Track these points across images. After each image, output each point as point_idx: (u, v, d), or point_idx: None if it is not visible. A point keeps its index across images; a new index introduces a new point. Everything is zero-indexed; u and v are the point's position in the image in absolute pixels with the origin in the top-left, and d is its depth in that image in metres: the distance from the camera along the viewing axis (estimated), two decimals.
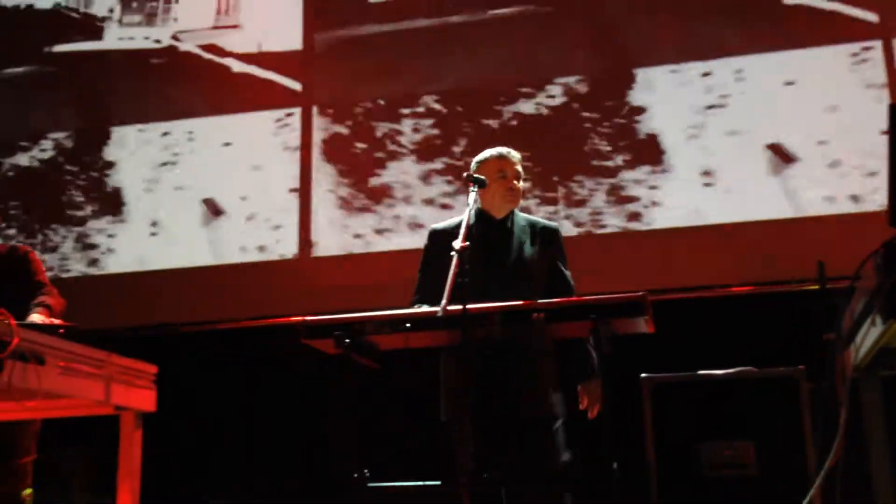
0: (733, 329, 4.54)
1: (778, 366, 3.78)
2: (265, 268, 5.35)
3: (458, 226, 3.20)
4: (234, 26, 5.91)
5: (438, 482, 2.97)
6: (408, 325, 2.95)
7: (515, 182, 3.35)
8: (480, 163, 3.40)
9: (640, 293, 2.82)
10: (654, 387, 3.85)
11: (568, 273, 3.36)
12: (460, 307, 2.80)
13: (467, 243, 2.92)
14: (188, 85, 5.85)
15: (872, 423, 2.17)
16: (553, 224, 3.43)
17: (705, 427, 3.84)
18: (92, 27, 6.16)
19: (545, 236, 3.36)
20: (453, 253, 2.88)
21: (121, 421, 2.97)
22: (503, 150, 3.42)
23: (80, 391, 2.72)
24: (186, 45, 5.96)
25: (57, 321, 3.18)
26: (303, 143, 5.52)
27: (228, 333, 5.31)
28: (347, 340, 2.97)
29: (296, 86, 5.65)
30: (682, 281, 4.80)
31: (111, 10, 6.16)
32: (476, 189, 3.14)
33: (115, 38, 6.09)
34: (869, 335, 1.98)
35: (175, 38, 5.99)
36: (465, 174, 3.24)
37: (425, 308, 3.08)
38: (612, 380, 2.84)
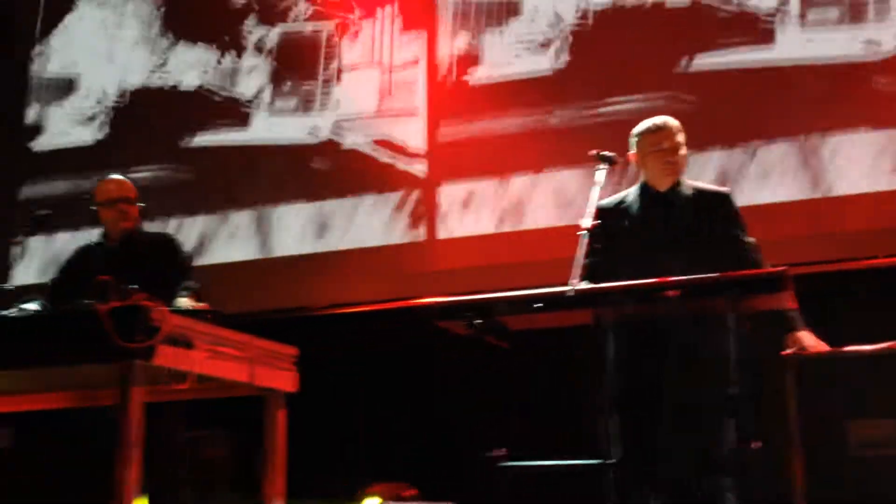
0: (882, 302, 4.33)
1: None
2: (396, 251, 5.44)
3: (621, 202, 3.20)
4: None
5: (580, 462, 2.95)
6: (538, 304, 2.95)
7: (674, 154, 3.27)
8: (637, 136, 3.32)
9: (781, 267, 2.73)
10: (798, 364, 3.71)
11: (747, 239, 3.20)
12: (592, 286, 2.78)
13: (598, 222, 2.89)
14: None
15: None
16: (723, 189, 3.31)
17: (852, 405, 3.69)
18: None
19: (713, 203, 3.25)
20: (582, 232, 2.86)
21: (265, 402, 3.08)
22: (659, 120, 3.31)
23: (226, 373, 2.84)
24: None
25: (203, 306, 3.32)
26: None
27: (362, 316, 5.43)
28: (478, 321, 2.99)
29: None
30: (827, 253, 4.60)
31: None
32: (605, 166, 3.11)
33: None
34: None
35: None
36: (592, 151, 3.20)
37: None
38: (753, 357, 2.76)
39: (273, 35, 6.08)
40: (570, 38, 5.29)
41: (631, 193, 3.30)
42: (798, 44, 4.83)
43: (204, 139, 6.06)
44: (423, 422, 5.20)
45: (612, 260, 2.96)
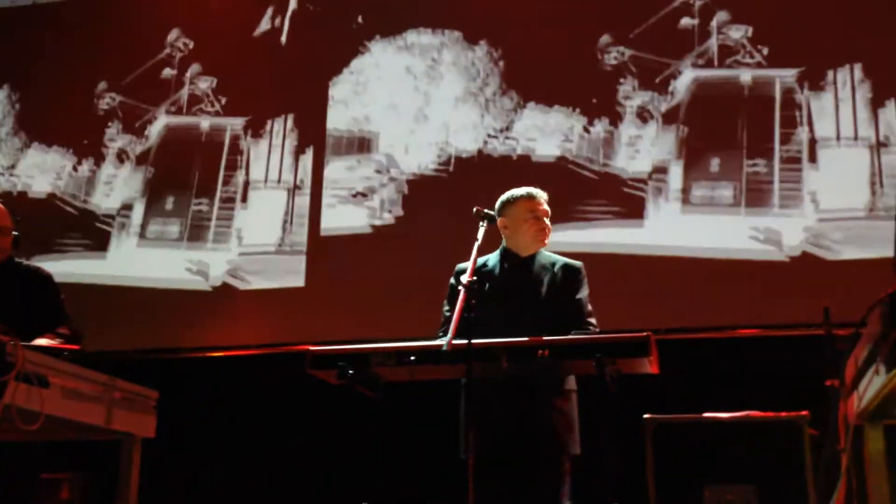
0: (739, 371, 4.52)
1: (782, 410, 3.76)
2: (272, 294, 5.36)
3: (484, 265, 3.26)
4: None
5: None
6: (412, 357, 2.95)
7: (544, 223, 3.37)
8: (508, 203, 3.41)
9: (645, 333, 2.82)
10: (657, 427, 3.83)
11: (588, 309, 3.32)
12: (465, 342, 2.80)
13: (475, 278, 2.93)
14: None
15: (875, 470, 2.16)
16: (576, 263, 3.42)
17: (708, 470, 3.81)
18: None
19: (566, 274, 3.36)
20: (460, 287, 2.89)
21: (121, 445, 2.97)
22: (532, 189, 3.43)
23: (81, 415, 2.72)
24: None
25: (63, 345, 3.17)
26: None
27: (234, 360, 5.31)
28: (351, 372, 2.97)
29: None
30: (688, 321, 4.78)
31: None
32: (485, 224, 3.16)
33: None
34: (873, 383, 1.97)
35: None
36: (475, 209, 3.26)
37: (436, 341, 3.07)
38: (615, 420, 2.82)
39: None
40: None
41: (492, 258, 3.38)
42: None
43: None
44: (286, 468, 5.09)
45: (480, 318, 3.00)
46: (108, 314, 5.38)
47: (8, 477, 3.43)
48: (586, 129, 5.16)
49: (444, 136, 5.36)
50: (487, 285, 3.25)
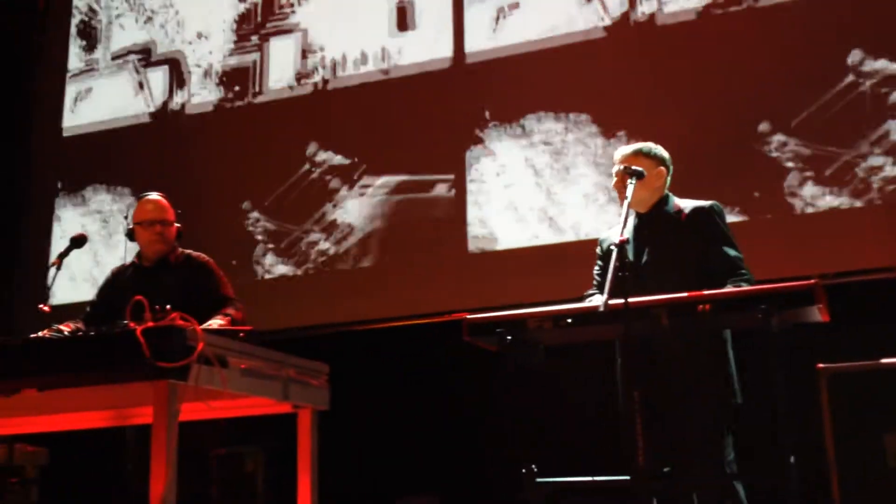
0: None
1: None
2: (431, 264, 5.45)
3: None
4: None
5: (609, 478, 2.96)
6: (569, 320, 2.95)
7: (621, 179, 3.28)
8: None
9: (812, 281, 2.72)
10: (832, 377, 3.68)
11: (732, 252, 3.20)
12: (622, 301, 2.77)
13: (626, 237, 2.89)
14: None
15: None
16: (705, 203, 3.30)
17: (888, 417, 3.64)
18: None
19: (695, 218, 3.26)
20: (612, 246, 2.86)
21: (298, 419, 3.10)
22: (621, 148, 3.42)
23: (260, 391, 2.87)
24: None
25: (237, 327, 3.33)
26: None
27: (394, 332, 5.44)
28: (509, 338, 3.00)
29: None
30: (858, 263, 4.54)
31: None
32: (633, 182, 3.11)
33: None
34: None
35: None
36: (622, 166, 3.21)
37: (590, 302, 3.07)
38: (787, 371, 2.74)
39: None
40: None
41: (626, 211, 3.31)
42: None
43: None
44: (454, 437, 5.20)
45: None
46: (279, 294, 5.63)
47: (190, 453, 3.67)
48: None
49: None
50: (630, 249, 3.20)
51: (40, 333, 3.42)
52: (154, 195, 4.00)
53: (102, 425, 3.37)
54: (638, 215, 3.33)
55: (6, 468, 3.83)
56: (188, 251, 4.04)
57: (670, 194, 3.36)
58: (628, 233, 3.24)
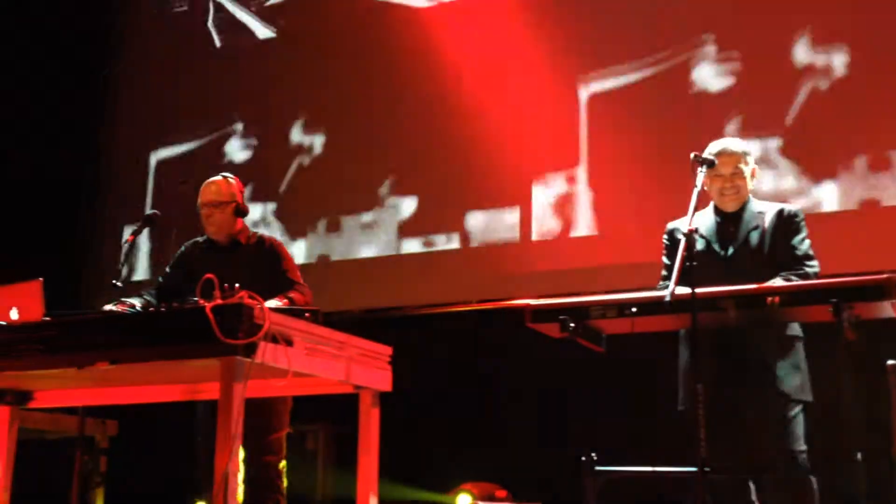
0: None
1: None
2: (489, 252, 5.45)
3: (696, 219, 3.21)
4: None
5: (673, 469, 2.93)
6: (634, 309, 2.93)
7: (731, 181, 3.24)
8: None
9: (886, 276, 2.65)
10: None
11: (804, 251, 3.17)
12: (689, 291, 2.74)
13: (695, 227, 2.86)
14: None
15: None
16: (791, 207, 3.27)
17: None
18: None
19: (779, 220, 3.22)
20: (681, 236, 2.83)
21: (360, 399, 3.13)
22: (721, 144, 3.32)
23: (323, 371, 2.90)
24: None
25: (304, 307, 3.37)
26: None
27: (456, 316, 5.46)
28: (572, 325, 2.99)
29: None
30: None
31: None
32: (704, 170, 3.07)
33: None
34: None
35: None
36: (692, 154, 3.17)
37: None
38: (856, 367, 2.69)
39: None
40: None
41: (704, 214, 3.31)
42: None
43: None
44: (515, 423, 5.21)
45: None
46: (343, 277, 5.70)
47: (255, 429, 3.74)
48: None
49: None
50: (701, 242, 3.17)
51: (110, 307, 3.51)
52: (216, 177, 4.05)
53: (172, 399, 3.44)
54: (722, 213, 3.28)
55: (77, 439, 3.94)
56: (260, 233, 4.09)
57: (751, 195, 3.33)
58: (708, 229, 3.21)
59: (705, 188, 3.25)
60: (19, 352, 2.91)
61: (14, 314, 3.06)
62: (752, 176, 3.31)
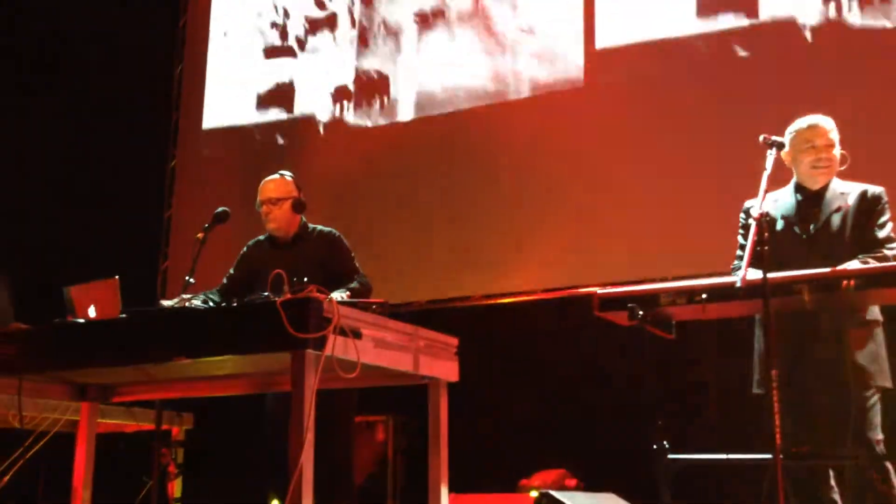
0: None
1: None
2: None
3: (775, 199, 3.16)
4: None
5: (747, 455, 2.89)
6: (704, 296, 2.89)
7: (826, 152, 3.18)
8: (790, 133, 3.29)
9: None
10: None
11: (885, 234, 3.10)
12: (760, 277, 2.69)
13: (767, 211, 2.80)
14: None
15: None
16: (875, 189, 3.19)
17: None
18: None
19: (863, 202, 3.14)
20: (751, 221, 2.78)
21: (428, 390, 3.15)
22: (815, 119, 3.25)
23: (392, 362, 2.93)
24: None
25: (376, 299, 3.40)
26: None
27: (523, 306, 5.44)
28: (641, 312, 2.96)
29: None
30: None
31: None
32: (774, 152, 3.01)
33: None
34: None
35: None
36: (762, 137, 3.11)
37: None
38: None
39: None
40: None
41: (783, 192, 3.23)
42: None
43: None
44: (583, 411, 5.18)
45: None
46: (410, 268, 5.74)
47: (327, 420, 3.79)
48: None
49: None
50: (781, 222, 3.11)
51: (170, 303, 3.56)
52: (273, 175, 4.10)
53: (245, 391, 3.51)
54: (804, 192, 3.23)
55: (155, 432, 4.03)
56: (319, 226, 4.14)
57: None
58: (788, 209, 3.17)
59: (787, 165, 3.22)
60: (99, 349, 3.00)
61: (92, 312, 3.15)
62: (844, 161, 3.24)
